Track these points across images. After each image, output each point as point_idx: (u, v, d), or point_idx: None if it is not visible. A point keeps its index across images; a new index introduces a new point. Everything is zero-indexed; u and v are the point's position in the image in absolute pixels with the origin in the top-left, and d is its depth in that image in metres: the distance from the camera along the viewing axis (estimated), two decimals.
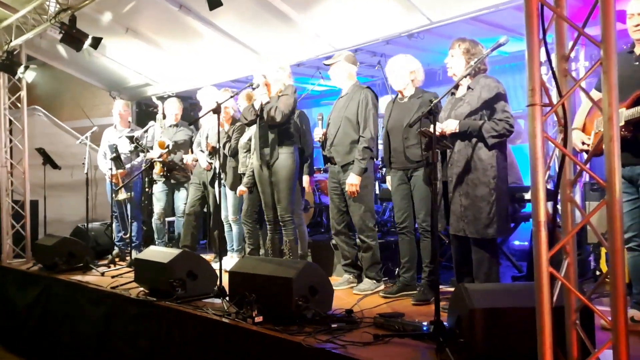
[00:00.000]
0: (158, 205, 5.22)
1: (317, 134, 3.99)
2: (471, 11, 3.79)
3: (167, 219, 5.45)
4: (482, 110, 3.08)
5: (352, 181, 3.69)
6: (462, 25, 4.03)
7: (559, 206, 2.05)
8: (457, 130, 3.06)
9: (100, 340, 3.91)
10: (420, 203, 3.49)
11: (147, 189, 4.95)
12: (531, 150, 1.82)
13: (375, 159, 3.92)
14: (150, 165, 4.84)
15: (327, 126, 3.94)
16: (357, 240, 3.90)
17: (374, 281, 3.78)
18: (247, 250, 4.59)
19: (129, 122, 5.81)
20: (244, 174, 4.56)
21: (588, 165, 1.96)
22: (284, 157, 3.90)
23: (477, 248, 3.11)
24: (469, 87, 3.16)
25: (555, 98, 1.90)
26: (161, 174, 5.12)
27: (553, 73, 1.90)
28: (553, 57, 2.01)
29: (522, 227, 4.65)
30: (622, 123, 2.59)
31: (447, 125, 3.08)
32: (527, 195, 4.02)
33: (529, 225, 4.65)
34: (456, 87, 3.21)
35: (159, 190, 5.23)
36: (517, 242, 5.17)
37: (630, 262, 2.80)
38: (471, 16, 3.87)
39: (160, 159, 5.00)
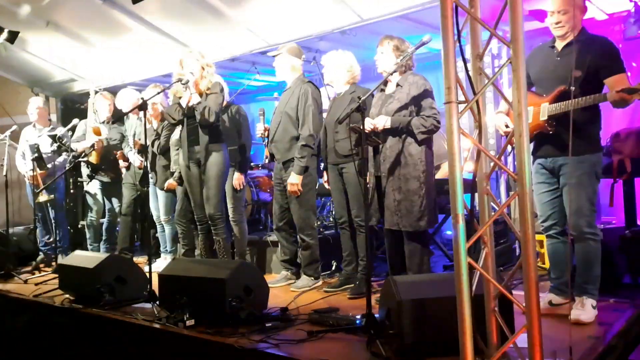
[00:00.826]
0: (95, 206, 4.94)
1: (259, 129, 3.94)
2: (400, 9, 3.87)
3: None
4: (410, 106, 3.16)
5: (293, 181, 3.66)
6: (392, 22, 4.11)
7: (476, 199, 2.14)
8: (389, 126, 3.12)
9: (23, 351, 3.68)
10: (353, 198, 3.54)
11: (71, 190, 4.70)
12: (449, 147, 1.89)
13: (318, 156, 3.90)
14: (75, 165, 4.59)
15: (271, 121, 3.90)
16: (298, 238, 3.90)
17: (312, 278, 3.79)
18: (182, 251, 4.47)
19: (49, 120, 5.50)
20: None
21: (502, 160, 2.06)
22: (214, 155, 3.81)
23: (409, 240, 3.20)
24: (397, 84, 3.23)
25: (471, 96, 1.98)
26: (95, 165, 4.81)
27: (467, 72, 1.97)
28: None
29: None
30: (545, 117, 2.72)
31: (379, 121, 3.14)
32: None
33: None
34: (385, 83, 3.29)
35: (93, 189, 4.96)
36: (449, 232, 5.36)
37: (549, 249, 2.96)
38: (400, 14, 3.95)
39: (93, 149, 4.71)
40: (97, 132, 4.77)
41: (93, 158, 4.79)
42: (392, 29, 4.16)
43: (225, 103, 4.10)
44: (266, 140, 3.95)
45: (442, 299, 2.27)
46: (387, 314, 2.42)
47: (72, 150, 4.83)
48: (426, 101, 3.15)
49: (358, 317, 2.73)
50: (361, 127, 2.73)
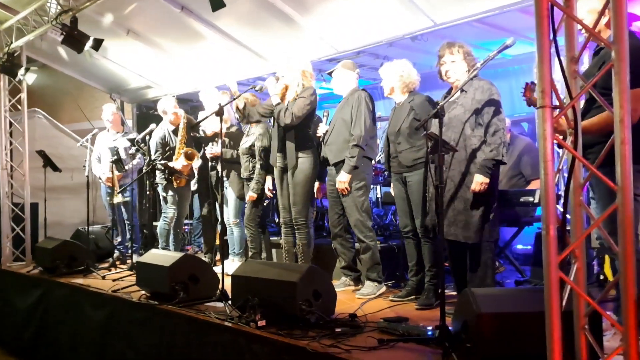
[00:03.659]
0: (171, 209, 5.10)
1: (321, 130, 4.01)
2: (475, 13, 3.77)
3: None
4: (475, 112, 3.06)
5: (342, 178, 3.72)
6: (466, 27, 4.01)
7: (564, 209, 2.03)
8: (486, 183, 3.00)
9: (101, 343, 3.87)
10: (417, 208, 3.49)
11: (147, 192, 4.90)
12: (541, 153, 1.80)
13: (372, 160, 3.94)
14: (152, 168, 4.79)
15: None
16: (356, 242, 3.88)
17: (376, 283, 3.76)
18: (250, 254, 4.56)
19: (122, 124, 5.78)
20: (246, 179, 4.54)
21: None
22: (303, 161, 3.90)
23: (471, 252, 3.10)
24: (462, 90, 3.11)
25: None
26: (171, 169, 4.93)
27: (564, 75, 1.87)
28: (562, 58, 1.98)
29: (525, 232, 4.62)
30: None
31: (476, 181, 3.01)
32: (531, 199, 3.99)
33: (532, 230, 4.62)
34: (449, 91, 3.23)
35: (164, 193, 5.11)
36: (520, 247, 5.15)
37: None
38: (475, 18, 3.85)
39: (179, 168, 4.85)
40: (192, 157, 4.84)
41: (180, 181, 4.93)
42: (465, 33, 4.07)
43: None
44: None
45: (524, 314, 2.18)
46: (464, 327, 2.34)
47: (149, 154, 5.02)
48: (490, 111, 3.01)
49: (429, 328, 2.66)
50: (438, 134, 2.67)
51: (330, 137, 3.89)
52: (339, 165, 3.81)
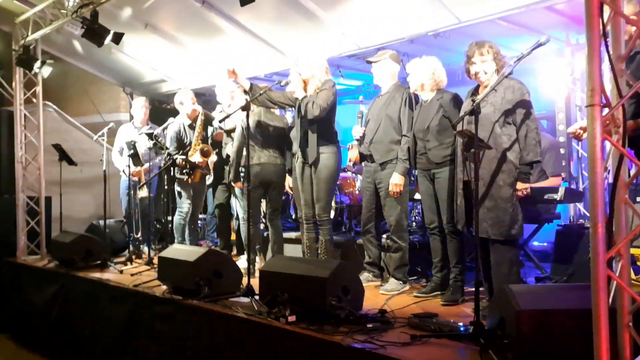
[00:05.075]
0: (186, 204, 5.09)
1: (357, 132, 3.96)
2: (501, 11, 3.75)
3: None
4: (505, 113, 3.04)
5: (396, 181, 3.69)
6: (490, 25, 4.00)
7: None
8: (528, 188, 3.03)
9: (123, 338, 3.86)
10: (444, 204, 3.48)
11: (166, 186, 4.89)
12: (590, 151, 1.81)
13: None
14: (173, 162, 4.77)
15: (366, 124, 3.92)
16: (387, 240, 3.88)
17: (400, 282, 3.76)
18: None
19: (147, 119, 5.76)
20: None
21: None
22: (326, 156, 3.88)
23: (498, 249, 3.09)
24: (492, 89, 3.11)
25: None
26: (192, 164, 4.89)
27: (614, 73, 1.87)
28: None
29: (542, 229, 4.64)
30: None
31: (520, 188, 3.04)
32: (555, 197, 3.99)
33: (550, 227, 4.63)
34: (476, 88, 3.21)
35: (185, 188, 5.07)
36: (536, 243, 5.16)
37: None
38: (500, 16, 3.84)
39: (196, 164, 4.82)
40: (207, 155, 4.80)
41: (195, 176, 4.91)
42: (488, 31, 4.07)
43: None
44: (351, 143, 3.96)
45: (565, 310, 2.18)
46: (500, 323, 2.35)
47: (167, 149, 5.00)
48: (522, 112, 3.01)
49: (461, 324, 2.67)
50: (471, 131, 2.67)
51: (375, 135, 3.81)
52: (384, 164, 3.78)
